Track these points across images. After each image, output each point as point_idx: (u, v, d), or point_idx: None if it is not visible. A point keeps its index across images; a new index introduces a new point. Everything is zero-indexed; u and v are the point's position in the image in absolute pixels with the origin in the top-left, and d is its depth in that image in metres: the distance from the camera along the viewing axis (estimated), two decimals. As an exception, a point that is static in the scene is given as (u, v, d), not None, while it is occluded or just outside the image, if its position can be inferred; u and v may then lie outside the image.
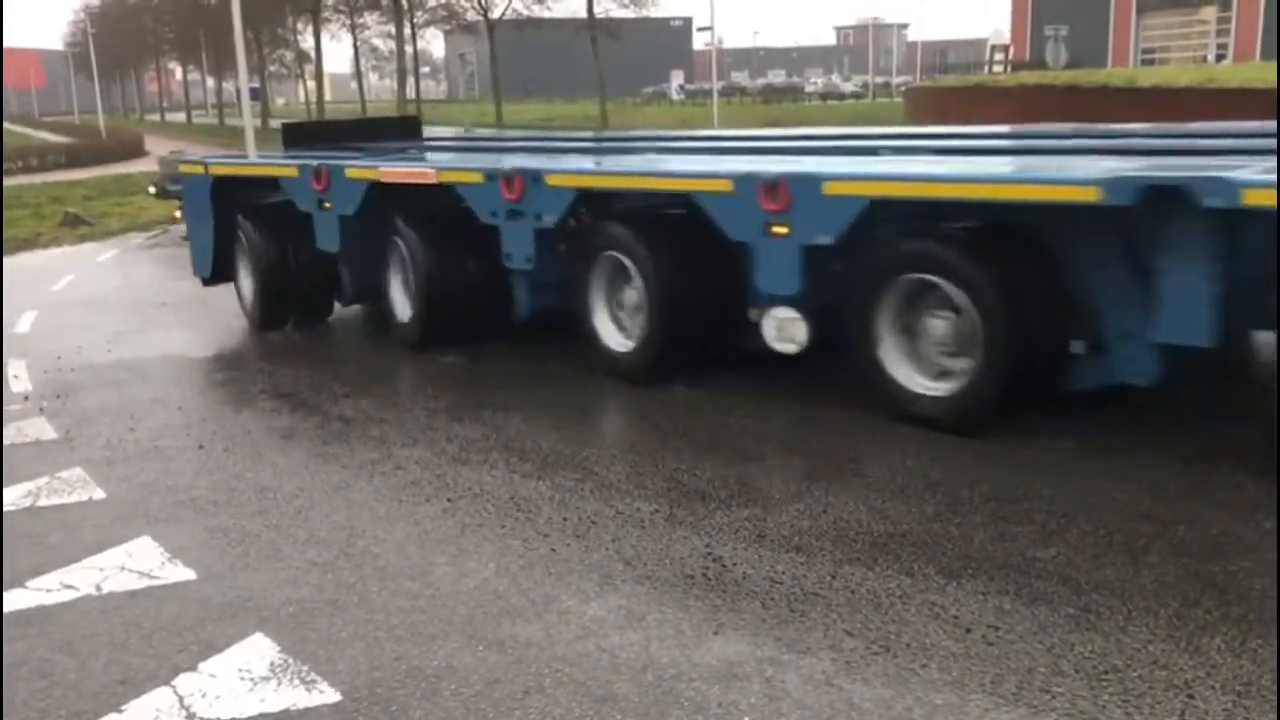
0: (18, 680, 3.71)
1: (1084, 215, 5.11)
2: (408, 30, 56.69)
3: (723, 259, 6.40)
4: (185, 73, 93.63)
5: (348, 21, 59.74)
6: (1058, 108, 23.94)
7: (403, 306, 8.21)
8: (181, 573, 4.52)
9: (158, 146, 45.01)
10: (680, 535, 4.61)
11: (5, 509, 5.32)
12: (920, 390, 5.71)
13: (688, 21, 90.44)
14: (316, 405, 6.99)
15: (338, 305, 9.37)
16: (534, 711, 3.36)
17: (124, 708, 3.51)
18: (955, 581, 4.04)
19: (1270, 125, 6.78)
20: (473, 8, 53.97)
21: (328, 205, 8.28)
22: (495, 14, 52.47)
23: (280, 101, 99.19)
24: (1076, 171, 5.28)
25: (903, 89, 56.32)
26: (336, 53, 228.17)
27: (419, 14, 57.40)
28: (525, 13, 52.34)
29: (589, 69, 50.16)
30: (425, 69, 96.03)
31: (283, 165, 8.89)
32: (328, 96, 69.45)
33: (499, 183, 7.09)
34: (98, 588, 4.41)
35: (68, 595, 4.35)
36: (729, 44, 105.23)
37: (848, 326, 5.92)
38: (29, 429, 6.71)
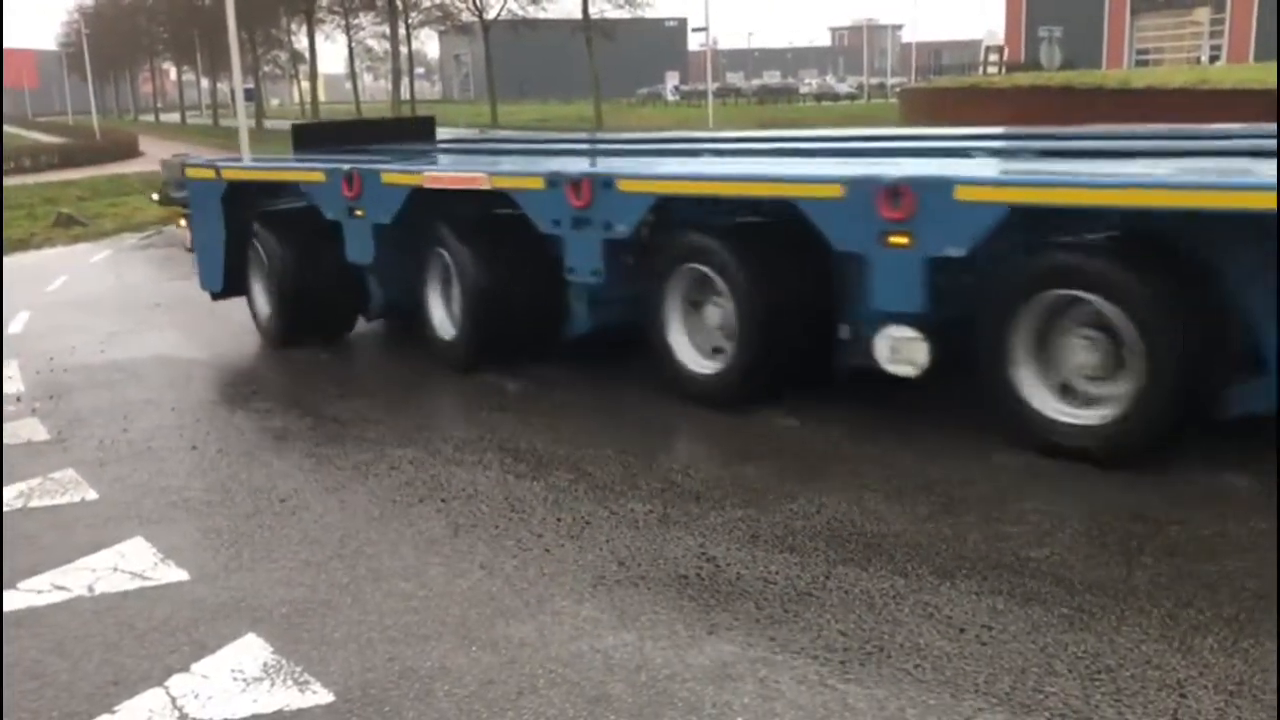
0: (10, 682, 3.70)
1: (1244, 223, 4.61)
2: (402, 31, 56.66)
3: (818, 271, 5.94)
4: (180, 73, 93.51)
5: (342, 22, 59.72)
6: (1052, 109, 24.00)
7: (444, 323, 7.54)
8: (174, 573, 4.51)
9: (152, 147, 45.00)
10: (674, 536, 4.61)
11: (-3, 510, 5.31)
12: (1063, 418, 5.14)
13: (682, 22, 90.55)
14: (310, 406, 6.98)
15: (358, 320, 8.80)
16: (528, 712, 3.35)
17: (116, 709, 3.50)
18: (949, 582, 4.04)
19: None
20: (468, 8, 53.99)
21: (359, 213, 7.57)
22: (490, 15, 52.47)
23: (275, 102, 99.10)
24: (1246, 176, 4.89)
25: (897, 90, 56.40)
26: (331, 53, 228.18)
27: (414, 14, 57.40)
28: (520, 13, 52.33)
29: (584, 70, 50.15)
30: (420, 70, 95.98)
31: (307, 170, 8.17)
32: (322, 97, 69.41)
33: (564, 189, 6.44)
34: (90, 589, 4.40)
35: (60, 596, 4.34)
36: (724, 45, 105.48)
37: (978, 348, 5.34)
38: (21, 430, 6.69)
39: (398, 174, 7.45)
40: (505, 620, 3.94)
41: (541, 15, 53.12)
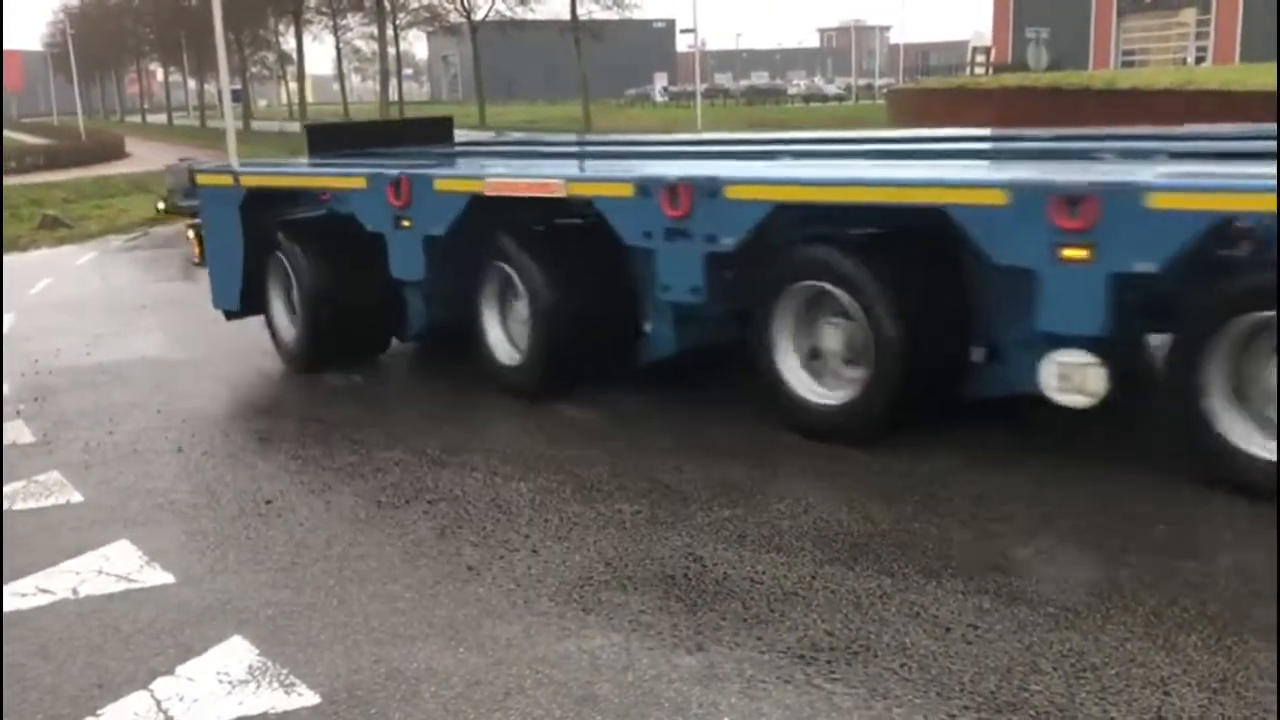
0: (-7, 685, 3.68)
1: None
2: (390, 32, 56.58)
3: (957, 287, 5.41)
4: (166, 74, 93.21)
5: (330, 23, 59.60)
6: (1039, 110, 24.09)
7: (503, 345, 6.80)
8: (160, 576, 4.50)
9: (138, 148, 44.88)
10: (661, 536, 4.61)
11: (-18, 513, 5.28)
12: (1265, 454, 4.62)
13: (670, 23, 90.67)
14: (294, 408, 6.97)
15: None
16: (514, 713, 3.35)
17: (100, 712, 3.49)
18: (935, 581, 4.05)
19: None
20: (455, 9, 53.96)
21: (407, 223, 6.78)
22: (478, 15, 52.43)
23: (262, 103, 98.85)
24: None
25: (885, 91, 56.55)
26: (319, 54, 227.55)
27: (402, 15, 57.33)
28: (508, 14, 52.32)
29: (572, 71, 50.18)
30: (408, 71, 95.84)
31: (344, 175, 7.41)
32: (310, 98, 69.27)
33: (658, 196, 5.74)
34: (74, 591, 4.38)
35: (44, 599, 4.32)
36: (712, 46, 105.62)
37: (1166, 376, 4.85)
38: (6, 432, 6.66)
39: (454, 180, 6.76)
40: (492, 621, 3.93)
41: (529, 16, 53.15)
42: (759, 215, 5.49)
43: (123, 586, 4.42)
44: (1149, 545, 4.26)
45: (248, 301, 8.03)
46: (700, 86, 51.17)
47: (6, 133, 64.52)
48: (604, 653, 3.66)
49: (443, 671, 3.60)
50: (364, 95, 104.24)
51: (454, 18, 55.68)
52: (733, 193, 5.56)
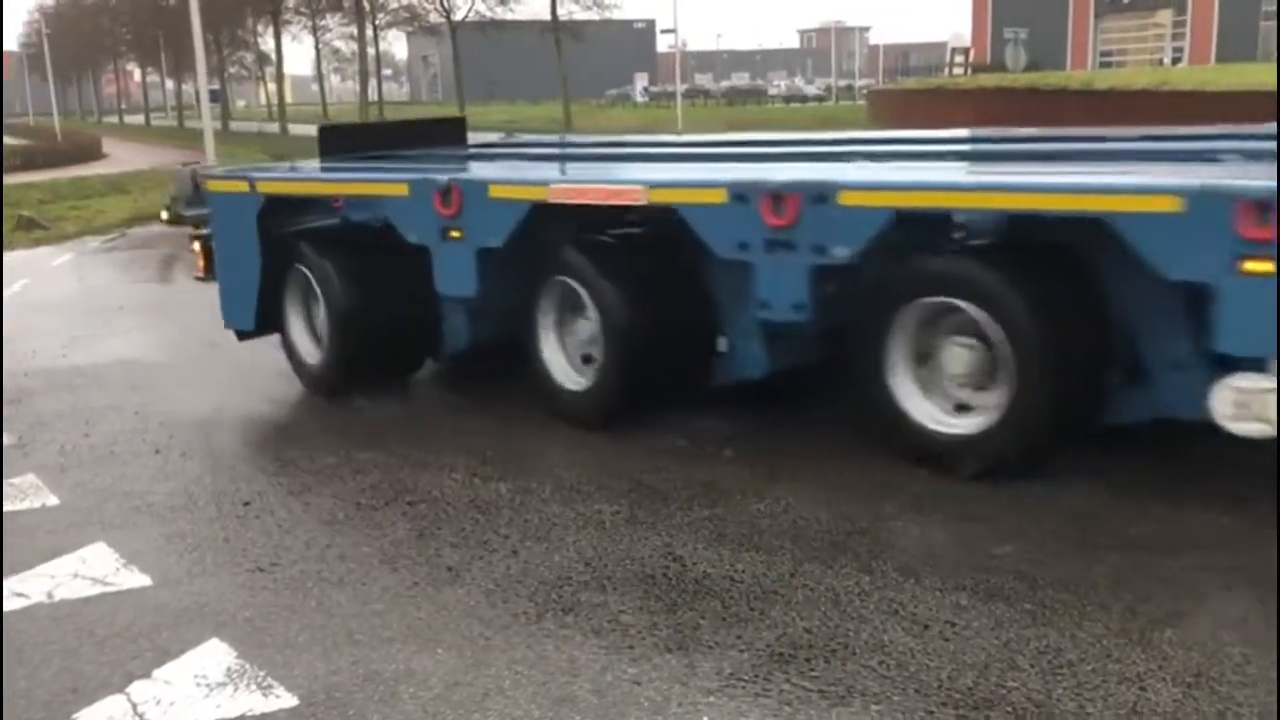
0: (-33, 690, 3.65)
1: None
2: (370, 32, 56.40)
3: (1099, 304, 4.88)
4: (144, 74, 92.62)
5: (309, 23, 59.36)
6: (1017, 110, 24.21)
7: (566, 368, 6.22)
8: (136, 579, 4.47)
9: (116, 149, 44.58)
10: (640, 536, 4.61)
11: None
12: None
13: (651, 24, 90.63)
14: (273, 409, 6.93)
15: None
16: (493, 713, 3.35)
17: (75, 716, 3.46)
18: (914, 579, 4.07)
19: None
20: (435, 9, 53.80)
21: (456, 234, 6.16)
22: (458, 15, 52.31)
23: (241, 104, 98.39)
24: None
25: (865, 91, 56.74)
26: (298, 55, 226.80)
27: (381, 15, 57.12)
28: (488, 14, 52.20)
29: (553, 71, 50.11)
30: (388, 71, 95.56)
31: (383, 181, 6.81)
32: (289, 99, 68.95)
33: (758, 203, 5.17)
34: (50, 595, 4.35)
35: (19, 603, 4.28)
36: (692, 46, 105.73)
37: None
38: (-19, 435, 6.60)
39: (512, 187, 6.15)
40: (470, 622, 3.93)
41: (509, 16, 53.04)
42: (879, 224, 4.90)
43: (99, 589, 4.38)
44: (1125, 544, 4.28)
45: (264, 319, 7.30)
46: (681, 87, 51.22)
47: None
48: (583, 653, 3.66)
49: (421, 673, 3.59)
50: (343, 95, 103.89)
51: (434, 18, 55.54)
52: (848, 199, 4.97)
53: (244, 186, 7.22)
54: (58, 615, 4.17)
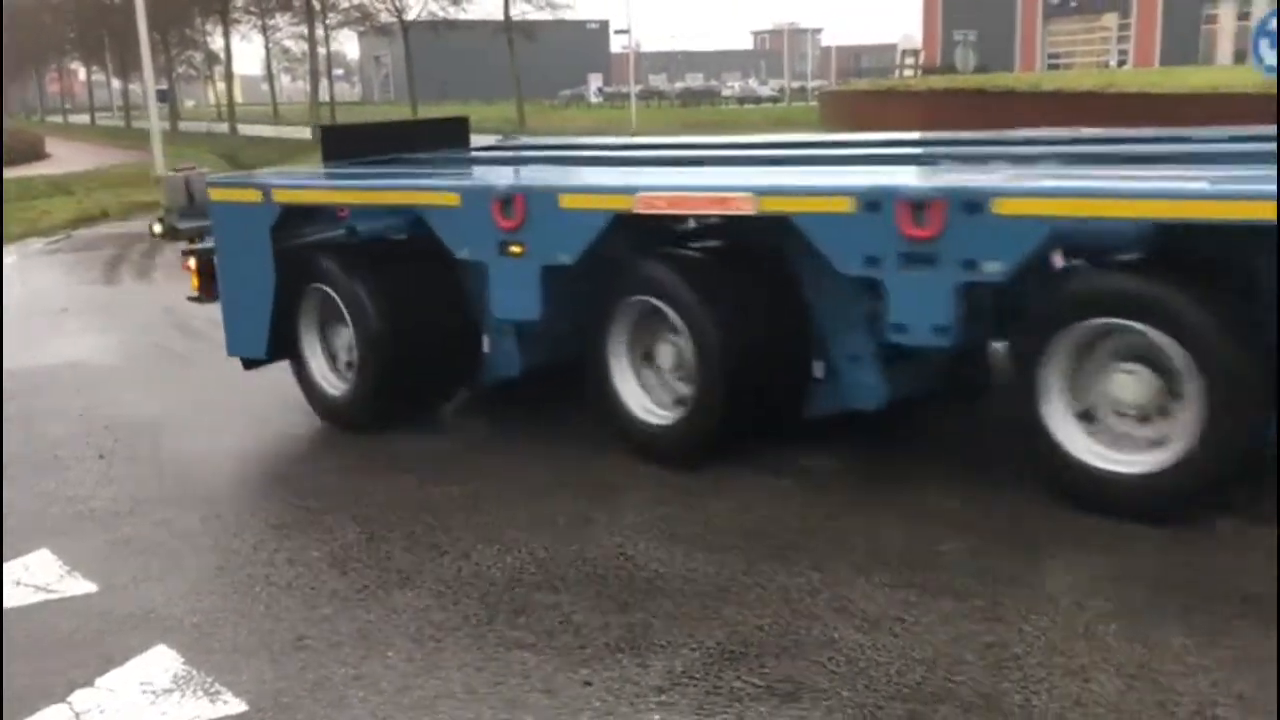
0: (-97, 701, 3.57)
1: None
2: (321, 32, 55.87)
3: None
4: (89, 73, 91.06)
5: (258, 23, 58.67)
6: (966, 111, 24.51)
7: (641, 398, 5.52)
8: (81, 585, 4.39)
9: (59, 149, 43.72)
10: (593, 537, 4.61)
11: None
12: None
13: (604, 24, 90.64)
14: (221, 411, 6.84)
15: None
16: (444, 716, 3.33)
17: (16, 726, 3.40)
18: (864, 576, 4.10)
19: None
20: (386, 9, 53.40)
21: (517, 249, 5.45)
22: (410, 15, 51.96)
23: (190, 104, 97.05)
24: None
25: (817, 93, 57.13)
26: (248, 54, 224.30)
27: (332, 15, 56.59)
28: (441, 14, 51.90)
29: (506, 71, 49.93)
30: (339, 71, 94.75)
31: (427, 189, 5.99)
32: (239, 99, 68.14)
33: (895, 212, 4.55)
34: (-9, 603, 4.27)
35: (-42, 612, 4.20)
36: (646, 47, 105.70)
37: None
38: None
39: (587, 195, 5.42)
40: (421, 625, 3.90)
41: (462, 16, 52.77)
42: (1038, 236, 4.37)
43: (42, 597, 4.31)
44: (1073, 539, 4.35)
45: (278, 344, 6.44)
46: (635, 88, 51.27)
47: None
48: (534, 654, 3.65)
49: (370, 677, 3.57)
50: (294, 95, 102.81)
51: (385, 18, 55.12)
52: (1004, 207, 4.39)
53: (255, 195, 6.29)
54: None
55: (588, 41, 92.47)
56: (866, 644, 3.61)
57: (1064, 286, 4.59)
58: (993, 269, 4.43)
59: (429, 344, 6.06)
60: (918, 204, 4.52)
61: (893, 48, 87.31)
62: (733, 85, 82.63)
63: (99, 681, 3.63)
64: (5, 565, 4.60)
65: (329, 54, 62.29)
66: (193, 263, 6.77)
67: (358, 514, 5.01)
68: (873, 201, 4.61)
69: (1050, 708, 3.21)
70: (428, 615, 3.98)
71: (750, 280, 5.35)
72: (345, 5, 55.95)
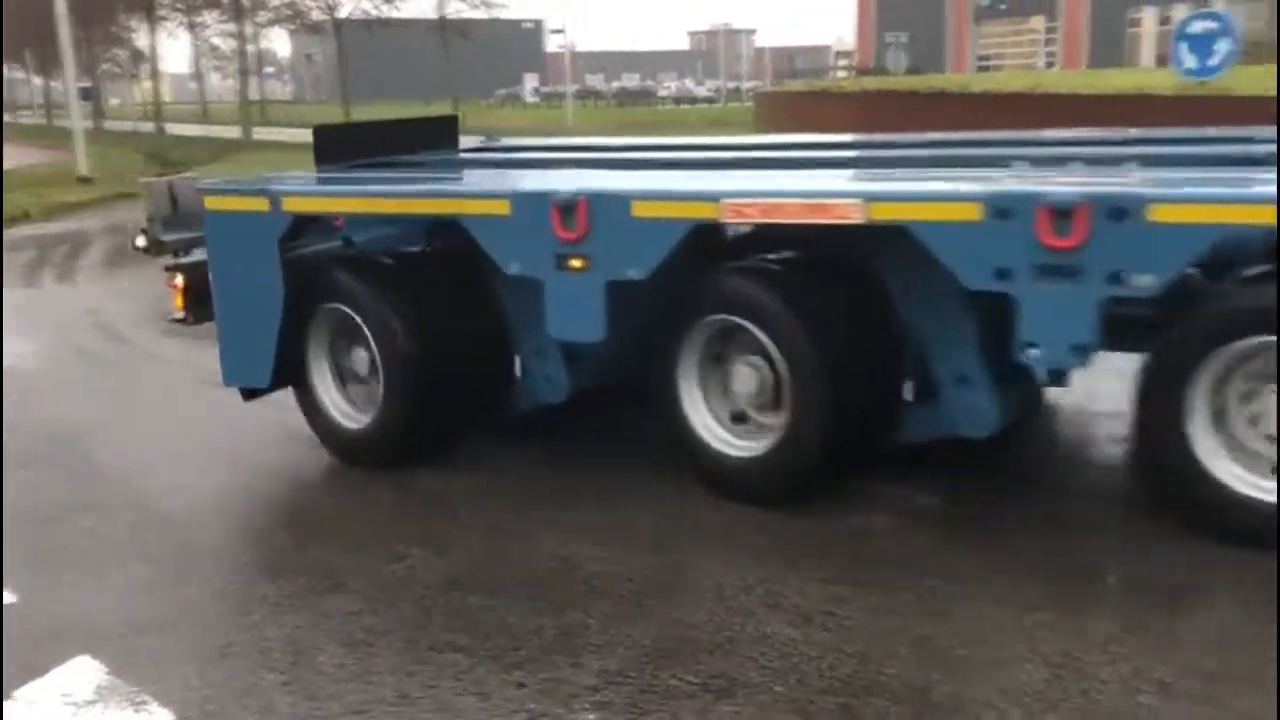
0: None
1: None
2: (251, 29, 54.99)
3: None
4: (1, 69, 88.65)
5: (185, 19, 57.56)
6: (899, 112, 24.85)
7: (717, 428, 5.00)
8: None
9: (-22, 148, 42.47)
10: (530, 539, 4.58)
11: None
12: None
13: (539, 24, 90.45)
14: (146, 412, 6.70)
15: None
16: (376, 722, 3.30)
17: (-69, 742, 3.30)
18: (796, 571, 4.13)
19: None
20: (318, 7, 52.70)
21: (579, 263, 4.86)
22: (342, 13, 51.35)
23: (115, 102, 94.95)
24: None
25: (752, 94, 57.53)
26: (175, 52, 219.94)
27: (262, 13, 55.72)
28: (374, 13, 51.36)
29: (441, 71, 49.60)
30: (271, 69, 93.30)
31: (465, 196, 5.36)
32: (167, 97, 66.85)
33: (1032, 218, 4.07)
34: (-96, 616, 4.13)
35: None
36: (582, 47, 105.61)
37: None
38: None
39: (664, 203, 4.81)
40: (353, 630, 3.86)
41: (395, 14, 52.26)
42: (1198, 246, 3.96)
43: (-42, 609, 4.19)
44: (1001, 531, 4.43)
45: (283, 371, 5.73)
46: (571, 87, 51.22)
47: None
48: (467, 657, 3.63)
49: (300, 683, 3.52)
50: (224, 94, 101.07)
51: (317, 15, 54.39)
52: (1161, 214, 3.95)
53: (261, 204, 5.55)
54: (-88, 637, 3.97)
55: (523, 41, 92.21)
56: (799, 639, 3.64)
57: (1219, 302, 4.24)
58: (1144, 282, 4.00)
59: (464, 368, 5.50)
60: (1061, 210, 4.04)
61: (826, 49, 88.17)
62: (669, 85, 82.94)
63: (18, 693, 3.54)
64: (-80, 577, 4.46)
65: (259, 52, 61.29)
66: (180, 280, 5.94)
67: (290, 519, 4.94)
68: (1004, 208, 4.13)
69: (979, 698, 3.26)
70: (359, 620, 3.93)
71: (844, 295, 4.87)
72: (275, 3, 55.08)
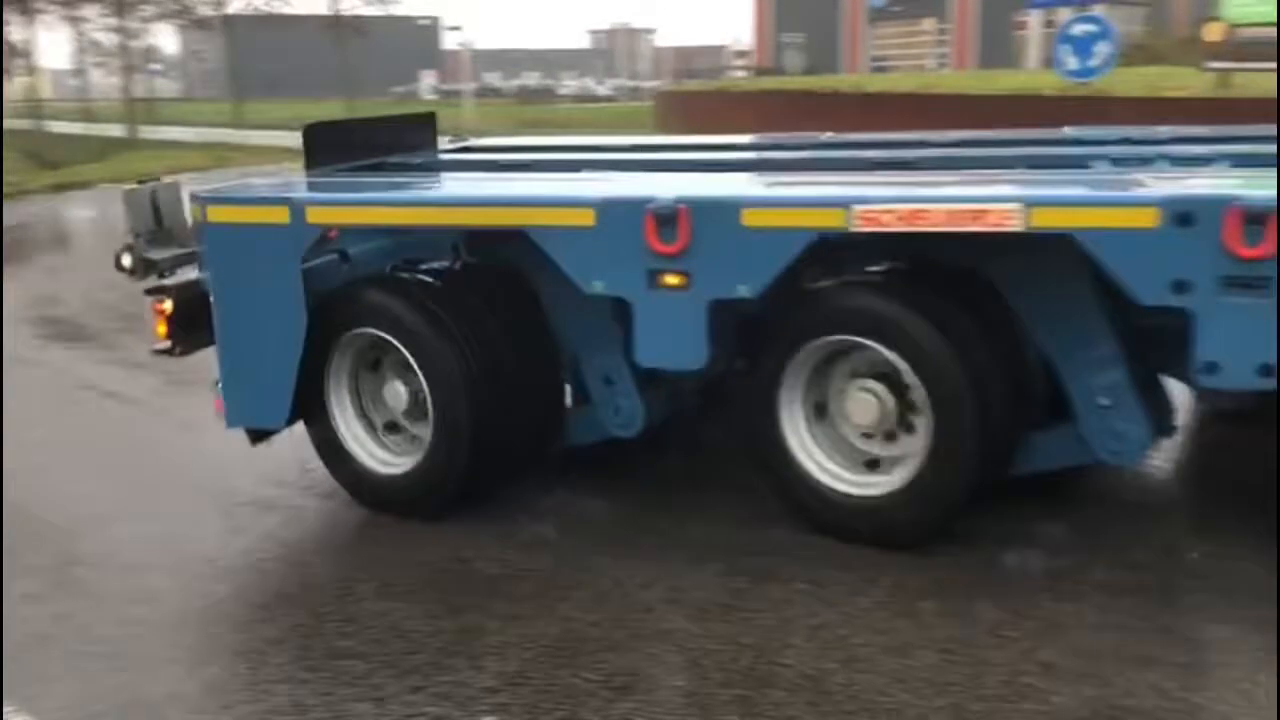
0: None
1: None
2: (136, 23, 53.25)
3: None
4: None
5: (65, 13, 55.50)
6: (794, 112, 25.19)
7: (824, 460, 4.48)
8: None
9: None
10: (428, 540, 4.53)
11: None
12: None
13: (435, 21, 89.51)
14: (62, 409, 6.45)
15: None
16: (269, 731, 3.23)
17: None
18: (695, 567, 4.16)
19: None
20: (205, 3, 51.33)
21: (676, 279, 4.27)
22: (230, 9, 50.10)
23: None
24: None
25: (652, 93, 57.78)
26: (54, 47, 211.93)
27: (147, 7, 54.03)
28: (265, 8, 50.22)
29: (335, 68, 48.74)
30: (158, 66, 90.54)
31: (542, 204, 4.57)
32: (47, 94, 64.40)
33: (1219, 224, 3.66)
34: None
35: None
36: (482, 45, 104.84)
37: None
38: None
39: (787, 210, 4.25)
40: (244, 639, 3.77)
41: (286, 10, 51.18)
42: None
43: None
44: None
45: (299, 407, 4.95)
46: (470, 85, 50.75)
47: None
48: (362, 664, 3.57)
49: (189, 695, 3.43)
50: (109, 91, 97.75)
51: (204, 10, 52.96)
52: None
53: (280, 215, 4.75)
54: None
55: (420, 38, 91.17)
56: (698, 632, 3.67)
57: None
58: None
59: (522, 402, 4.86)
60: (1254, 217, 3.64)
61: (723, 49, 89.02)
62: (569, 84, 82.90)
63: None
64: None
65: (146, 48, 59.39)
66: (168, 305, 4.97)
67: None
68: (1185, 213, 3.73)
69: (872, 684, 3.33)
70: (251, 628, 3.84)
71: (971, 311, 4.35)
72: (160, -4, 53.44)
